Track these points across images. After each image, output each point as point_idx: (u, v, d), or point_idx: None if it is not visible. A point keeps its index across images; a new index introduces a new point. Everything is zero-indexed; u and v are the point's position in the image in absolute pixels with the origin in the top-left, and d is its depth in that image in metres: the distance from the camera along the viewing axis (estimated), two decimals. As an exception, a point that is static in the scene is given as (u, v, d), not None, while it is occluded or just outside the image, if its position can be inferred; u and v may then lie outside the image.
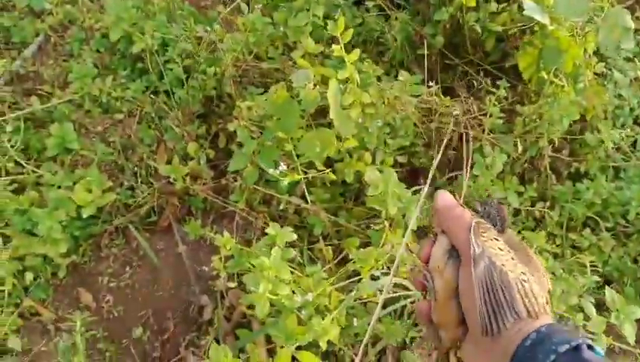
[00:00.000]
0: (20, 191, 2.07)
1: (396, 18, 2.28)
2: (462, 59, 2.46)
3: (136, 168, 2.15)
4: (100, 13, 2.74)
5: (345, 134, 1.83)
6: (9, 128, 2.14)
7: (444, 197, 0.74)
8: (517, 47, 2.46)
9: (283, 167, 1.61)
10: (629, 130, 2.26)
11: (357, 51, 1.75)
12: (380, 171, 1.90)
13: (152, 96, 2.37)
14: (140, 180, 2.11)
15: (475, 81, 2.41)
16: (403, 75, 1.99)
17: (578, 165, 2.21)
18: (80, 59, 2.52)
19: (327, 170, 1.78)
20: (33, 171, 2.09)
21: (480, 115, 2.24)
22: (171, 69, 2.29)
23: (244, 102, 1.97)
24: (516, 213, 2.18)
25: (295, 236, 1.59)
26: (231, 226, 2.15)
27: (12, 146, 2.12)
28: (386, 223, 1.71)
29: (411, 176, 2.27)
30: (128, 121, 2.33)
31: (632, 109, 2.41)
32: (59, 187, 2.01)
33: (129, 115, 2.35)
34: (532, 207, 2.17)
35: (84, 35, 2.61)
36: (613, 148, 2.26)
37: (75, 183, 2.05)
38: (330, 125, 1.98)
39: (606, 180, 2.23)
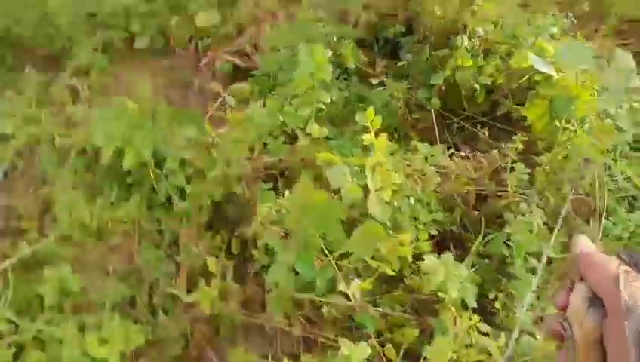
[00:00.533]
0: (19, 354, 1.80)
1: (397, 90, 2.23)
2: (457, 115, 2.44)
3: (149, 298, 1.93)
4: (67, 127, 2.55)
5: (383, 219, 1.72)
6: (-2, 284, 1.88)
7: (583, 243, 0.69)
8: (506, 95, 2.47)
9: (357, 281, 1.46)
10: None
11: (384, 136, 1.67)
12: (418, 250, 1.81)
13: (147, 210, 2.17)
14: (159, 310, 1.89)
15: (481, 135, 2.37)
16: (425, 146, 1.92)
17: (595, 202, 2.18)
18: (58, 184, 2.29)
19: (378, 264, 1.64)
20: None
21: (491, 169, 2.21)
22: (167, 180, 2.11)
23: (264, 204, 1.82)
24: (549, 262, 2.11)
25: (369, 350, 1.44)
26: (263, 339, 1.97)
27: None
28: (453, 309, 1.59)
29: (437, 244, 2.17)
30: (126, 243, 2.12)
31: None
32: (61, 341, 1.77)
33: (124, 237, 2.14)
34: (562, 253, 2.11)
35: (56, 155, 2.39)
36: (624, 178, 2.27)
37: (81, 330, 1.81)
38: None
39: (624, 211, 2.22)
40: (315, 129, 2.03)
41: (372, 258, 1.67)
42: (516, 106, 2.44)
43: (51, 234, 2.11)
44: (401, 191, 1.81)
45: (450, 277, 1.57)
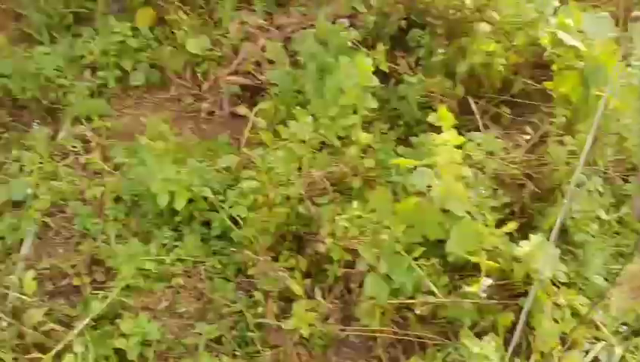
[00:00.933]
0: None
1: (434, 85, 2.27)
2: (480, 98, 2.51)
3: (235, 333, 1.90)
4: (86, 177, 2.45)
5: (464, 214, 1.76)
6: (78, 349, 1.79)
7: None
8: (516, 72, 2.57)
9: (489, 280, 1.50)
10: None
11: (454, 132, 1.71)
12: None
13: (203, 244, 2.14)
14: (250, 342, 1.87)
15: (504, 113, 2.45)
16: (475, 135, 1.98)
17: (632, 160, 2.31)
18: (100, 236, 2.21)
19: (480, 259, 1.68)
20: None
21: (529, 145, 2.30)
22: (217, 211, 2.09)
23: (341, 218, 1.83)
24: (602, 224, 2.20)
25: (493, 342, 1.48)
26: (352, 350, 1.97)
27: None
28: (553, 288, 1.66)
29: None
30: (190, 282, 2.08)
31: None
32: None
33: (188, 276, 2.10)
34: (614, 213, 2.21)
35: (91, 208, 2.30)
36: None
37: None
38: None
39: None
40: (362, 136, 2.05)
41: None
42: (528, 81, 2.55)
43: (111, 286, 2.04)
44: (469, 182, 1.85)
45: (547, 259, 1.63)
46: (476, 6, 2.19)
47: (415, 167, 1.88)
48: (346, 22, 2.39)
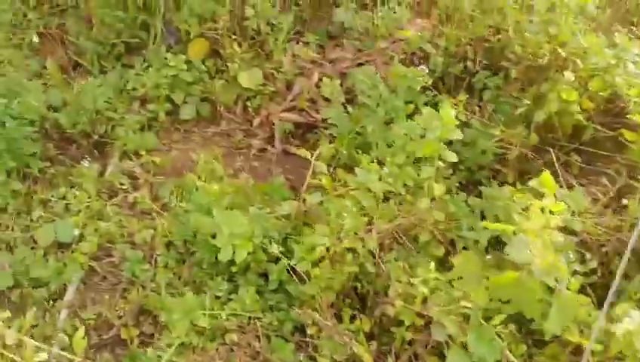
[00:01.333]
0: None
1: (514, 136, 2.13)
2: (552, 147, 2.35)
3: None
4: (135, 217, 2.34)
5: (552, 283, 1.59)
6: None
7: None
8: (588, 119, 2.41)
9: None
10: None
11: (553, 198, 1.55)
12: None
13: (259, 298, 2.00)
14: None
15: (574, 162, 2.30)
16: (565, 194, 1.81)
17: None
18: (149, 284, 2.09)
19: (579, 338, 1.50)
20: None
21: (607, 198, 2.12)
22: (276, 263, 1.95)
23: (417, 284, 1.68)
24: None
25: None
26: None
27: None
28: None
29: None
30: (246, 338, 1.93)
31: None
32: None
33: (242, 332, 1.96)
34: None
35: (141, 253, 2.19)
36: None
37: None
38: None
39: None
40: (434, 188, 1.91)
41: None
42: (599, 128, 2.37)
43: (160, 341, 1.92)
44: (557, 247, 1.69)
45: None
46: (565, 54, 2.05)
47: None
48: (425, 68, 2.26)
